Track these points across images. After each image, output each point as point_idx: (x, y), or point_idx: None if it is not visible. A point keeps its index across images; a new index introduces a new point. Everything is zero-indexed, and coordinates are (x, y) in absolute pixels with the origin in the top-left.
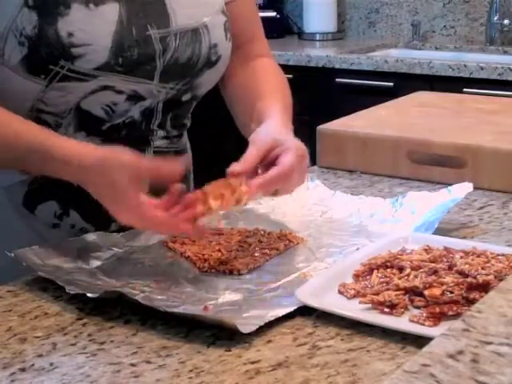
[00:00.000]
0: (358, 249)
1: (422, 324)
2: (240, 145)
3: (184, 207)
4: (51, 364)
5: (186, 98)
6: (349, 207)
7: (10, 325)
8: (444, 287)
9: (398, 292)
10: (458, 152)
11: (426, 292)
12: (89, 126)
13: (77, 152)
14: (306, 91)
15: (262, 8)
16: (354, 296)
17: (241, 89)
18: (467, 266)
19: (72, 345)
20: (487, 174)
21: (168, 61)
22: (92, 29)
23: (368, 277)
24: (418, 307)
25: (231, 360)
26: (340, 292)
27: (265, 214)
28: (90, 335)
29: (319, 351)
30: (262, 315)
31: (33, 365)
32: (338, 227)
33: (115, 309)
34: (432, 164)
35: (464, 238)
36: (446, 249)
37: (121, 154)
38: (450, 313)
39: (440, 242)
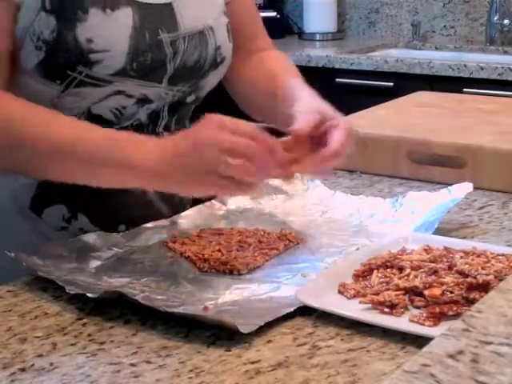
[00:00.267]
0: (357, 249)
1: (422, 324)
2: None
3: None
4: (51, 364)
5: (190, 99)
6: (349, 207)
7: (10, 325)
8: (444, 287)
9: (398, 292)
10: (458, 152)
11: (426, 292)
12: None
13: (150, 139)
14: None
15: (261, 8)
16: (354, 296)
17: (252, 79)
18: (467, 266)
19: (72, 345)
20: (487, 174)
21: (178, 64)
22: (109, 34)
23: (368, 277)
24: (417, 307)
25: (231, 360)
26: (340, 292)
27: (265, 214)
28: (89, 335)
29: (319, 351)
30: (262, 315)
31: (33, 365)
32: (338, 227)
33: (115, 309)
34: (432, 164)
35: (464, 237)
36: (445, 249)
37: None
38: (450, 313)
39: (440, 241)
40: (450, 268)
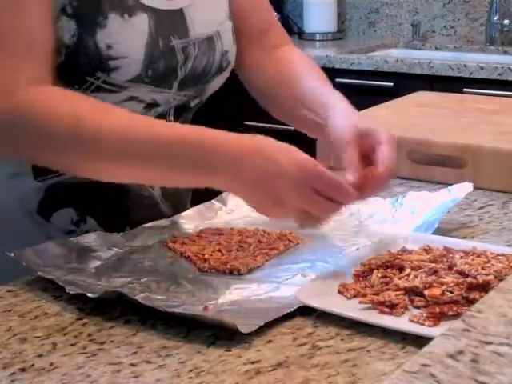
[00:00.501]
0: (357, 249)
1: (422, 324)
2: None
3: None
4: (51, 364)
5: (194, 103)
6: (349, 207)
7: (10, 325)
8: (444, 287)
9: (398, 292)
10: (458, 152)
11: (426, 292)
12: None
13: (232, 139)
14: None
15: None
16: (354, 296)
17: (274, 79)
18: (467, 266)
19: (72, 345)
20: (487, 174)
21: (188, 70)
22: (127, 41)
23: (368, 277)
24: (418, 307)
25: (231, 360)
26: (340, 292)
27: None
28: (89, 335)
29: (319, 351)
30: (261, 315)
31: (33, 365)
32: (338, 227)
33: (115, 309)
34: (432, 164)
35: (464, 237)
36: (445, 249)
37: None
38: (450, 313)
39: (440, 241)
40: (450, 268)
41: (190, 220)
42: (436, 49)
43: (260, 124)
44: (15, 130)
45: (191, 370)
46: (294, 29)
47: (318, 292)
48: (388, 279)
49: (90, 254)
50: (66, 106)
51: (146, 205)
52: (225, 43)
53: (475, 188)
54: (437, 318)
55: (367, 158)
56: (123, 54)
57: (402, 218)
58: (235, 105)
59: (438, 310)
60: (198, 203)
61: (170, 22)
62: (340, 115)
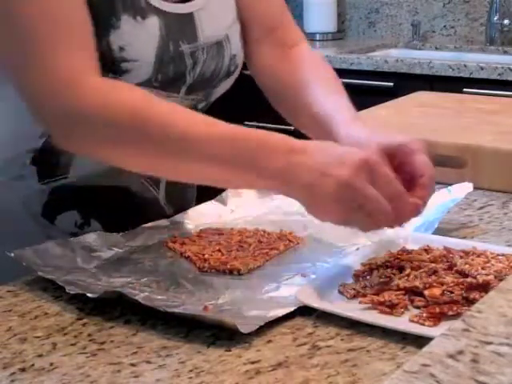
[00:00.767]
0: (358, 249)
1: (422, 324)
2: None
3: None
4: (51, 364)
5: (201, 106)
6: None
7: (10, 325)
8: (444, 287)
9: (398, 292)
10: (458, 152)
11: (426, 292)
12: None
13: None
14: None
15: None
16: (354, 296)
17: (288, 85)
18: (467, 266)
19: (72, 345)
20: (487, 174)
21: (197, 75)
22: (139, 44)
23: (368, 277)
24: (418, 307)
25: (231, 360)
26: (340, 292)
27: (265, 214)
28: (89, 335)
29: (319, 351)
30: (261, 315)
31: (33, 365)
32: (338, 227)
33: (115, 309)
34: (432, 164)
35: (464, 237)
36: (445, 249)
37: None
38: (450, 313)
39: (440, 241)
40: (450, 268)
41: (190, 220)
42: (436, 49)
43: (260, 124)
44: (83, 120)
45: (191, 370)
46: None
47: (318, 292)
48: (388, 279)
49: (90, 253)
50: (131, 97)
51: (151, 208)
52: (233, 47)
53: (475, 188)
54: (437, 318)
55: (399, 172)
56: (135, 56)
57: None
58: (235, 105)
59: (437, 310)
60: (202, 203)
61: (180, 26)
62: (355, 135)
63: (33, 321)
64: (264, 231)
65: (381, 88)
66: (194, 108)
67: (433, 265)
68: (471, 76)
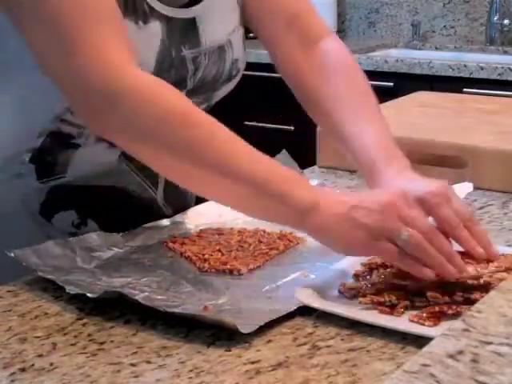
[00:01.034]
0: None
1: (422, 324)
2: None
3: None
4: (51, 364)
5: (201, 108)
6: None
7: (9, 325)
8: (444, 287)
9: (398, 292)
10: (458, 152)
11: (427, 292)
12: None
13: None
14: None
15: None
16: (354, 296)
17: (314, 88)
18: (467, 265)
19: (72, 345)
20: (487, 174)
21: (198, 80)
22: (140, 48)
23: (368, 277)
24: (418, 307)
25: (231, 360)
26: (340, 292)
27: None
28: (89, 335)
29: (319, 351)
30: (262, 315)
31: (33, 365)
32: None
33: (115, 309)
34: (432, 164)
35: None
36: None
37: None
38: (450, 312)
39: None
40: None
41: (190, 220)
42: (436, 49)
43: (260, 124)
44: (115, 104)
45: (191, 370)
46: None
47: (318, 292)
48: (388, 279)
49: (90, 253)
50: (174, 97)
51: (149, 209)
52: (235, 51)
53: (475, 188)
54: (437, 318)
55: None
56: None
57: None
58: (235, 105)
59: (437, 309)
60: (201, 203)
61: (182, 32)
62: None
63: (33, 321)
64: (264, 231)
65: (381, 88)
66: None
67: None
68: (471, 76)
